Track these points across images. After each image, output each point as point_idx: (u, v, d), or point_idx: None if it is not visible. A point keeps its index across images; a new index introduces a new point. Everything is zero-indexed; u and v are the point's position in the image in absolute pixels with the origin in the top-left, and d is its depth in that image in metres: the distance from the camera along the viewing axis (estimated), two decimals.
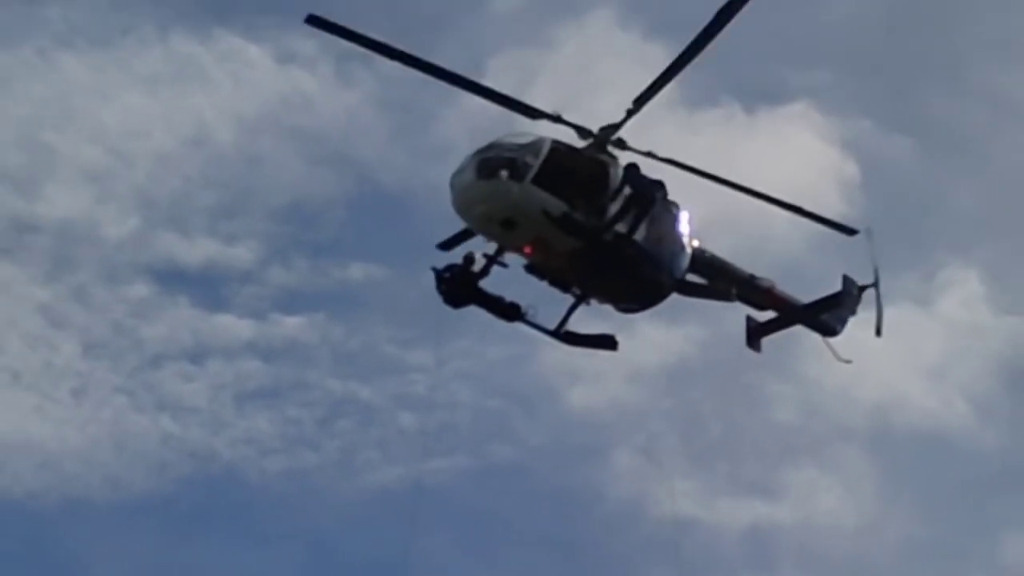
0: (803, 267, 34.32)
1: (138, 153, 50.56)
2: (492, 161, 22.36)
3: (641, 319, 24.91)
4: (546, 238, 22.62)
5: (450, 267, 24.06)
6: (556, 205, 22.21)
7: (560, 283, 24.14)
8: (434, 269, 23.98)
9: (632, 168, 23.29)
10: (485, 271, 24.03)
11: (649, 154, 23.86)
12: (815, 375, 44.25)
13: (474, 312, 24.09)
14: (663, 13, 51.15)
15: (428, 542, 45.69)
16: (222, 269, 49.34)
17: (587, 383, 44.51)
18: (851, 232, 26.70)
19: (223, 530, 48.20)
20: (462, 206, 22.75)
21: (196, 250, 48.99)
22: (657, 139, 23.94)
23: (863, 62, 56.76)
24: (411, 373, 47.47)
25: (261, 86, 52.48)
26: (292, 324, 48.42)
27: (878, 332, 27.83)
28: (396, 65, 23.15)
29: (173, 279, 48.85)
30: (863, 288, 27.83)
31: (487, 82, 23.26)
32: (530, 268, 23.91)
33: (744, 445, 50.36)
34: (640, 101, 23.13)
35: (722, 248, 25.87)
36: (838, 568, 48.29)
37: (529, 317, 24.34)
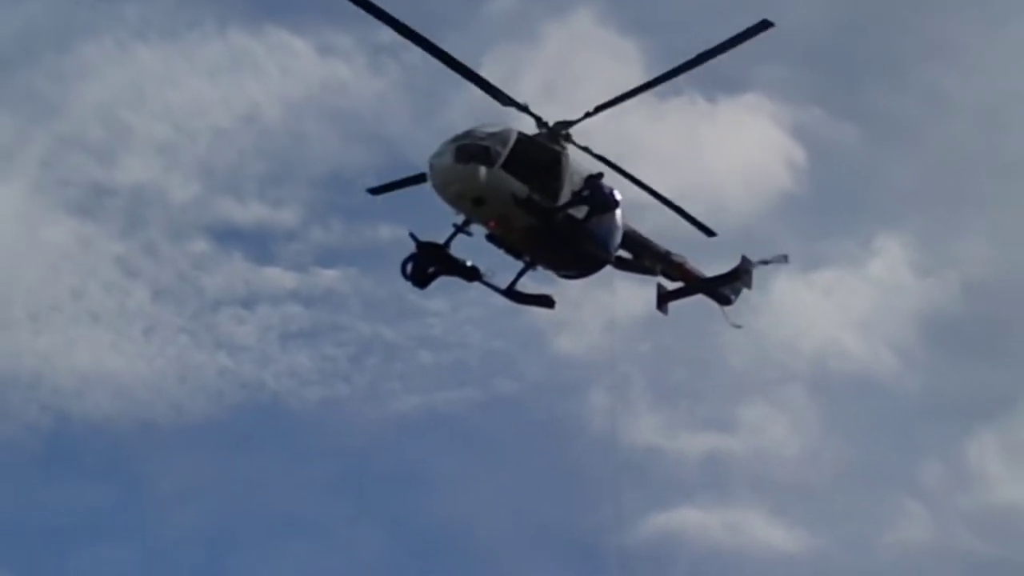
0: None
1: (200, 129, 55.46)
2: (468, 148, 25.57)
3: (616, 280, 28.76)
4: (508, 215, 26.05)
5: (414, 255, 27.41)
6: (520, 188, 25.72)
7: (514, 252, 27.58)
8: (412, 236, 27.35)
9: (594, 178, 26.72)
10: (452, 238, 27.33)
11: (586, 149, 27.48)
12: (764, 327, 48.07)
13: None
14: (640, 12, 57.43)
15: (444, 455, 52.57)
16: (270, 229, 54.57)
17: (571, 332, 47.72)
18: (710, 234, 30.63)
19: (269, 449, 53.69)
20: (440, 184, 25.92)
21: (248, 212, 54.09)
22: (628, 124, 27.47)
23: (814, 58, 61.93)
24: (429, 318, 53.59)
25: (305, 73, 57.41)
26: (329, 276, 53.79)
27: (785, 259, 32.00)
28: (419, 57, 26.18)
29: (229, 237, 54.01)
30: (757, 264, 31.76)
31: (482, 71, 26.39)
32: (491, 238, 27.24)
33: (703, 386, 55.22)
34: (600, 108, 26.71)
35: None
36: (784, 489, 53.64)
37: (486, 278, 27.87)
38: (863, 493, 54.88)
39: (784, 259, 32.15)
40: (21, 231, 52.83)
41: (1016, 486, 53.31)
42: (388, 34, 25.96)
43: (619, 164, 28.34)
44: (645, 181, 28.96)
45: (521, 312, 28.61)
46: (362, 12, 25.12)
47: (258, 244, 55.17)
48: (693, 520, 51.43)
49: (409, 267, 27.77)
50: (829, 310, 55.08)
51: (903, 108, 63.12)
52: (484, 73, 26.51)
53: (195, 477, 52.45)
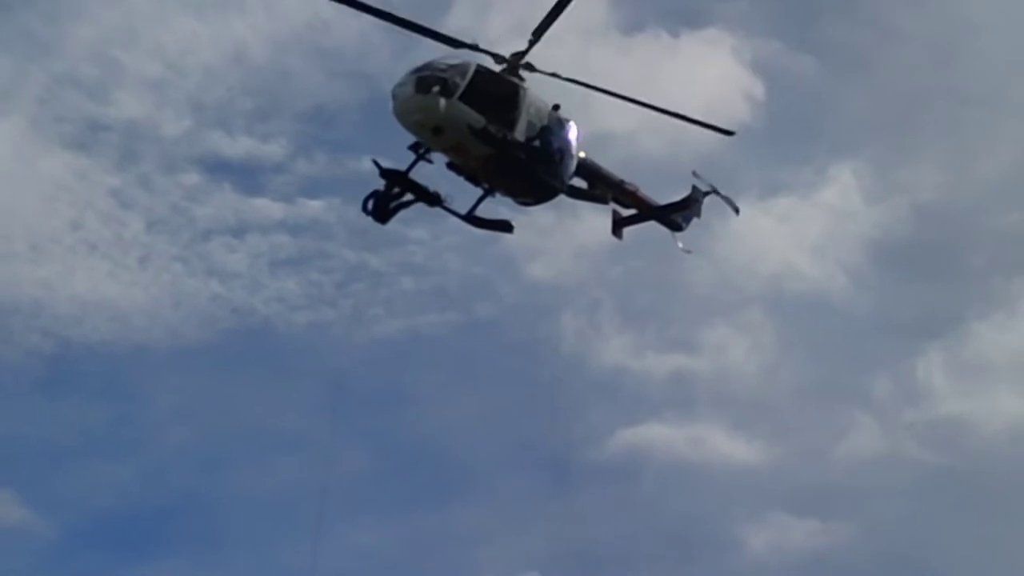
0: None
1: (190, 67, 57.26)
2: (428, 79, 26.65)
3: (584, 210, 30.01)
4: (466, 144, 27.17)
5: (374, 193, 28.43)
6: (476, 119, 26.75)
7: (473, 180, 28.68)
8: (375, 163, 28.53)
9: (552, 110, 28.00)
10: (414, 164, 28.37)
11: (554, 75, 28.28)
12: (725, 253, 51.93)
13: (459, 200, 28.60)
14: None
15: (425, 375, 55.14)
16: (258, 161, 56.49)
17: (543, 259, 51.55)
18: (728, 133, 30.66)
19: (259, 370, 56.21)
20: (401, 113, 27.02)
21: (237, 146, 55.95)
22: (594, 58, 28.11)
23: None
24: (411, 245, 54.85)
25: (289, 13, 58.99)
26: (315, 206, 56.04)
27: (736, 211, 33.53)
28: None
29: (219, 169, 55.84)
30: (706, 195, 33.11)
31: (452, 15, 27.69)
32: (451, 166, 28.47)
33: (667, 309, 58.38)
34: (538, 32, 27.47)
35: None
36: (744, 405, 56.54)
37: (447, 204, 28.91)
38: (817, 408, 57.78)
39: (735, 209, 33.65)
40: (20, 166, 54.32)
41: (961, 400, 56.14)
42: None
43: (586, 81, 28.90)
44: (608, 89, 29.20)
45: (497, 239, 30.02)
46: None
47: (247, 176, 57.04)
48: (659, 435, 54.49)
49: (370, 204, 28.85)
50: (785, 236, 57.55)
51: (858, 40, 64.74)
52: (453, 13, 27.79)
53: (189, 397, 55.38)
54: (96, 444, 53.92)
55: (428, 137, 27.56)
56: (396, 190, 28.77)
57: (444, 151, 28.10)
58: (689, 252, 33.49)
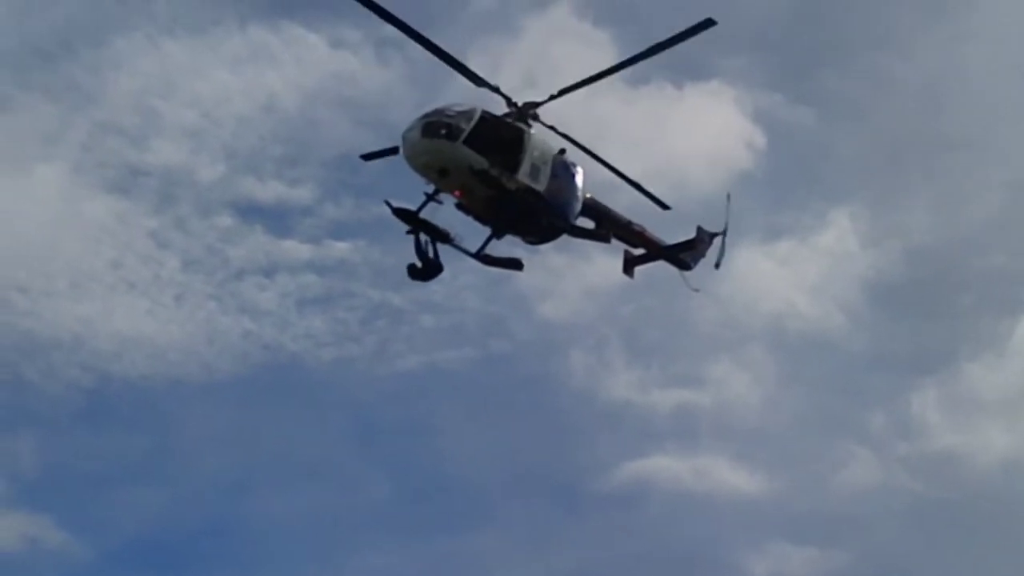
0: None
1: (224, 116, 60.27)
2: (434, 124, 28.18)
3: (594, 251, 31.18)
4: (470, 186, 28.60)
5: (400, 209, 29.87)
6: (479, 161, 28.16)
7: (481, 220, 29.96)
8: (387, 204, 29.89)
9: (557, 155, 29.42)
10: (424, 205, 29.72)
11: (552, 128, 29.83)
12: (728, 293, 54.11)
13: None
14: (614, 3, 61.55)
15: (443, 408, 57.62)
16: (287, 205, 59.55)
17: (554, 299, 55.74)
18: (664, 207, 32.70)
19: (288, 403, 59.32)
20: (410, 157, 28.56)
21: (268, 190, 59.08)
22: (602, 108, 29.61)
23: (772, 48, 66.43)
24: (431, 285, 56.17)
25: (318, 65, 62.41)
26: (341, 248, 58.71)
27: (716, 266, 34.59)
28: (420, 51, 28.82)
29: (250, 212, 58.77)
30: (713, 236, 34.18)
31: (469, 63, 29.19)
32: (460, 206, 29.80)
33: (672, 346, 61.56)
34: (564, 92, 29.09)
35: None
36: (746, 438, 58.73)
37: (456, 242, 30.06)
38: (816, 440, 60.11)
39: (716, 266, 34.62)
40: (64, 208, 57.22)
41: (953, 434, 58.29)
42: (392, 29, 28.65)
43: (581, 142, 30.69)
44: (609, 160, 31.45)
45: (510, 280, 31.50)
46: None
47: (277, 219, 59.77)
48: (664, 466, 56.91)
49: (416, 267, 30.21)
50: (785, 277, 60.23)
51: (852, 90, 67.14)
52: (471, 62, 29.21)
53: (221, 428, 57.76)
54: (132, 472, 56.48)
55: (435, 179, 28.99)
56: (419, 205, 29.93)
57: (452, 192, 29.44)
58: (697, 290, 34.42)
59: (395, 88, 60.15)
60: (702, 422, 59.58)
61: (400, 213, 30.18)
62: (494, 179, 28.69)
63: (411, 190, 30.34)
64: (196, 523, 56.36)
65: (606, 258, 35.23)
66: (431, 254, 30.30)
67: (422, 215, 30.15)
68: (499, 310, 58.44)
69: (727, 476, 57.35)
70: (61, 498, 54.25)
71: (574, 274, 53.17)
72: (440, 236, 30.33)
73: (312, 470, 58.31)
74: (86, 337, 55.64)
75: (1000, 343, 60.06)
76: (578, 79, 29.43)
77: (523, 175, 29.39)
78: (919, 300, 61.88)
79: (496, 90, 29.50)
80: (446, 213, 30.47)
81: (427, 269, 30.42)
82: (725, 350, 60.09)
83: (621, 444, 58.12)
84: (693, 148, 56.86)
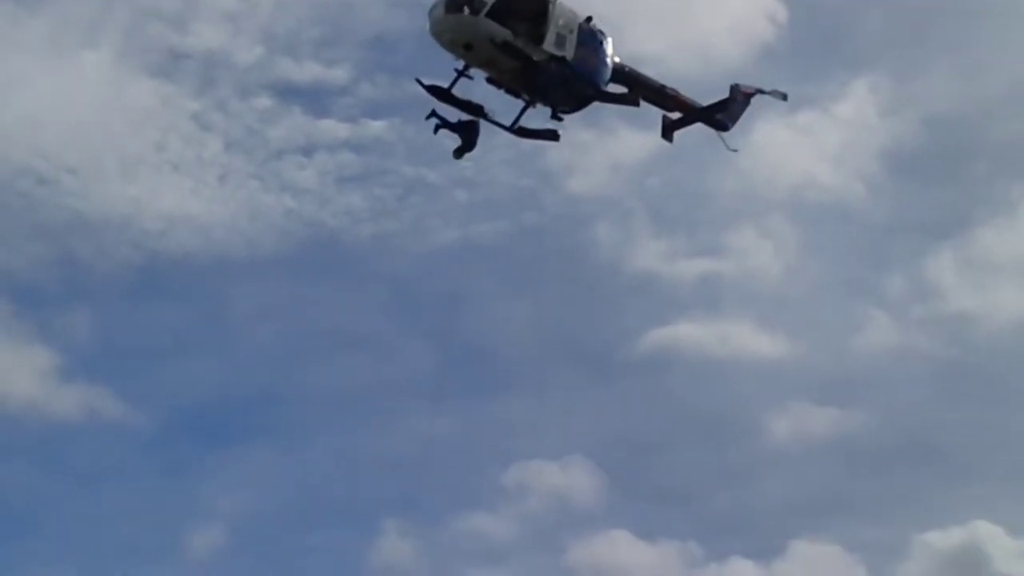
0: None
1: None
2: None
3: (619, 126, 31.29)
4: (495, 58, 29.10)
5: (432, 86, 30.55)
6: (503, 33, 28.55)
7: (512, 92, 30.51)
8: (418, 81, 30.58)
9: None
10: (455, 81, 30.36)
11: None
12: (750, 165, 55.82)
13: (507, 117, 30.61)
14: None
15: (479, 280, 59.59)
16: (324, 86, 59.86)
17: (581, 173, 56.27)
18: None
19: (329, 277, 61.72)
20: (435, 33, 29.07)
21: (305, 72, 59.21)
22: None
23: None
24: (463, 161, 57.24)
25: None
26: (377, 126, 59.41)
27: (784, 98, 34.66)
28: None
29: (288, 93, 59.53)
30: (748, 95, 34.00)
31: None
32: (490, 80, 30.32)
33: (696, 217, 63.57)
34: None
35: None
36: (768, 304, 60.57)
37: (490, 116, 30.67)
38: (836, 305, 61.68)
39: (783, 96, 34.49)
40: (109, 93, 58.38)
41: (968, 296, 59.88)
42: None
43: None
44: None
45: (540, 154, 32.05)
46: None
47: (314, 99, 60.66)
48: (689, 332, 59.02)
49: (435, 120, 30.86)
50: (806, 147, 60.55)
51: None
52: None
53: (266, 301, 60.53)
54: (184, 345, 59.70)
55: (461, 54, 29.53)
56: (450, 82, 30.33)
57: (479, 67, 29.98)
58: (736, 151, 34.59)
59: None
60: (726, 290, 61.37)
61: (432, 90, 30.80)
62: (519, 50, 29.14)
63: (445, 69, 31.04)
64: (246, 392, 59.70)
65: (631, 133, 35.89)
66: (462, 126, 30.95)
67: (454, 91, 30.70)
68: (530, 184, 59.12)
69: (750, 341, 59.10)
70: (117, 372, 57.65)
71: (600, 149, 54.26)
72: (473, 111, 30.91)
73: (354, 340, 60.94)
74: (135, 216, 57.94)
75: (1013, 208, 61.49)
76: None
77: (549, 45, 29.74)
78: (936, 168, 63.32)
79: None
80: (478, 89, 31.08)
81: (464, 142, 31.09)
82: (747, 220, 61.42)
83: (648, 313, 60.51)
84: (715, 22, 56.61)
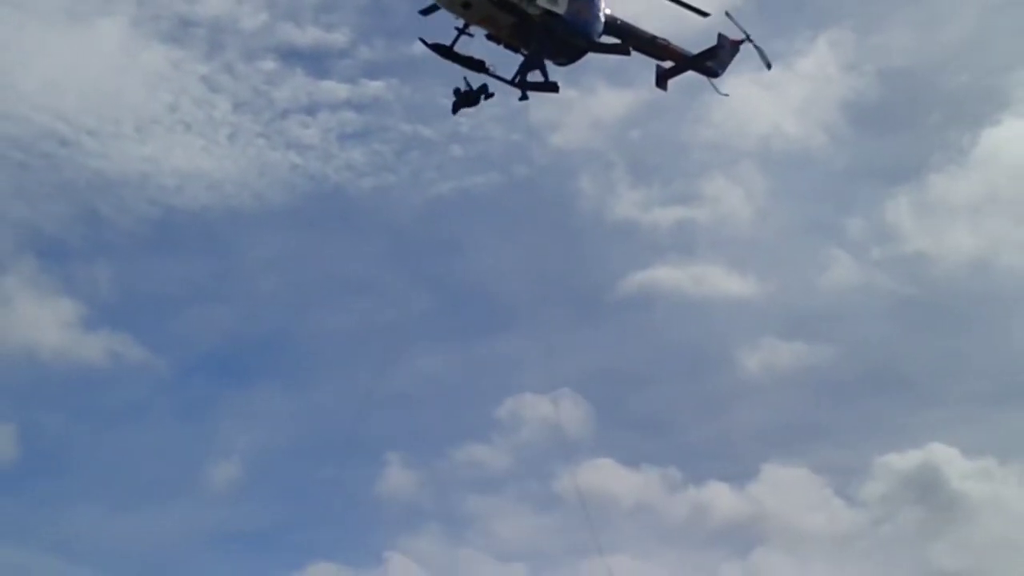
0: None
1: None
2: None
3: (598, 84, 32.32)
4: (492, 15, 30.82)
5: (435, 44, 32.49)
6: None
7: (511, 47, 32.21)
8: (422, 40, 32.52)
9: None
10: (456, 39, 32.23)
11: None
12: (720, 117, 61.25)
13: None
14: None
15: (473, 228, 64.20)
16: (325, 49, 64.52)
17: (564, 129, 60.81)
18: (704, 14, 33.65)
19: (333, 226, 66.89)
20: None
21: (306, 35, 63.87)
22: None
23: None
24: (458, 118, 60.58)
25: None
26: (375, 86, 64.03)
27: (768, 67, 36.38)
28: None
29: (291, 56, 64.13)
30: (736, 43, 35.52)
31: None
32: (489, 37, 32.01)
33: (671, 168, 68.32)
34: None
35: None
36: (739, 247, 65.32)
37: (491, 70, 32.44)
38: (801, 247, 67.23)
39: (768, 65, 36.20)
40: (124, 58, 62.18)
41: (924, 237, 64.30)
42: None
43: None
44: None
45: (527, 111, 33.90)
46: None
47: (316, 62, 64.95)
48: (666, 275, 63.83)
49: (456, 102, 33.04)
50: (771, 99, 65.17)
51: None
52: None
53: (275, 251, 65.54)
54: (199, 292, 63.96)
55: (460, 12, 31.27)
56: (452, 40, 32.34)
57: (479, 24, 31.71)
58: (726, 95, 36.19)
59: None
60: (700, 235, 66.32)
61: (436, 48, 32.57)
62: (515, 7, 30.78)
63: (438, 31, 33.16)
64: (257, 335, 64.25)
65: (609, 91, 37.28)
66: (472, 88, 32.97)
67: (456, 48, 32.56)
68: (520, 139, 61.83)
69: (723, 281, 63.79)
70: (137, 318, 61.60)
71: (581, 106, 59.00)
72: (475, 66, 32.69)
73: (358, 286, 65.74)
74: (151, 174, 61.89)
75: (965, 155, 65.64)
76: None
77: (543, 1, 31.31)
78: (893, 118, 68.30)
79: None
80: (478, 45, 33.01)
81: (471, 97, 33.01)
82: (719, 169, 66.10)
83: (628, 257, 65.49)
84: None
